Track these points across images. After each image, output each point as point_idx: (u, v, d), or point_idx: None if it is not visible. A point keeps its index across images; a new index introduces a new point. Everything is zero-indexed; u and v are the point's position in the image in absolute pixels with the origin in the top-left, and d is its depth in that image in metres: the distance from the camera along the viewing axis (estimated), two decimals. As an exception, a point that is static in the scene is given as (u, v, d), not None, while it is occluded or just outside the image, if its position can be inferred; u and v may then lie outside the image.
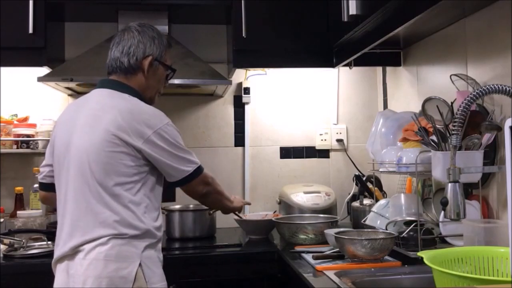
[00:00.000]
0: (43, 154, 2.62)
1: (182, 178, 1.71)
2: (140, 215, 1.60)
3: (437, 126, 1.74)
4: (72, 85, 2.43)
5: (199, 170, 1.74)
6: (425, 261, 1.23)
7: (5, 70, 2.55)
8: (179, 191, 2.72)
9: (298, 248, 2.04)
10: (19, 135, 2.51)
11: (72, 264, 1.55)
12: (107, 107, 1.64)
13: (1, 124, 2.48)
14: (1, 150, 2.46)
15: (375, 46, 2.02)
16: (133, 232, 1.57)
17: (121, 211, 1.57)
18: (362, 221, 2.15)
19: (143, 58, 1.73)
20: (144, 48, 1.74)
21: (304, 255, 1.90)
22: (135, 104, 1.66)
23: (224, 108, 2.84)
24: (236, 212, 2.14)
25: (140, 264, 1.56)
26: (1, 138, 2.46)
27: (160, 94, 1.85)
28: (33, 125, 2.57)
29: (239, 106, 2.83)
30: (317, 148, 2.87)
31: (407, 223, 1.85)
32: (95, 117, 1.62)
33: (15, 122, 2.56)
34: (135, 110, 1.64)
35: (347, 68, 2.59)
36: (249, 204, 2.33)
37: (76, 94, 2.67)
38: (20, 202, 2.47)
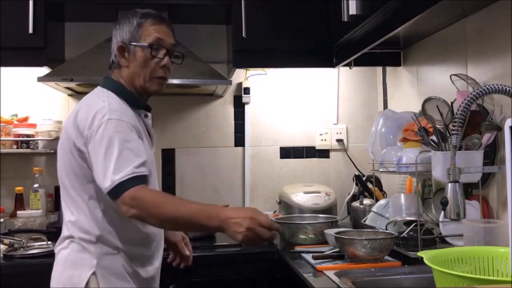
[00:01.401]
0: (43, 154, 2.64)
1: (109, 190, 1.42)
2: (97, 218, 1.51)
3: (437, 126, 1.74)
4: (72, 85, 2.43)
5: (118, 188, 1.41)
6: (425, 261, 1.23)
7: (5, 70, 2.55)
8: (178, 190, 2.74)
9: (298, 248, 2.04)
10: (19, 135, 2.51)
11: None
12: (76, 105, 1.60)
13: (1, 124, 2.48)
14: (1, 150, 2.46)
15: (375, 46, 2.02)
16: (84, 236, 1.51)
17: (76, 213, 1.52)
18: (362, 221, 2.15)
19: (116, 48, 1.63)
20: (116, 39, 1.64)
21: (304, 255, 1.90)
22: (93, 98, 1.56)
23: (224, 108, 2.84)
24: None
25: (94, 273, 1.47)
26: (1, 138, 2.46)
27: (162, 79, 1.65)
28: (33, 125, 2.57)
29: (239, 106, 2.83)
30: (317, 148, 2.87)
31: (407, 223, 1.85)
32: (68, 116, 1.61)
33: (15, 122, 2.56)
34: (89, 105, 1.53)
35: (347, 68, 2.58)
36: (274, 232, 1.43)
37: (76, 94, 2.67)
38: (20, 202, 2.47)
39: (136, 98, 1.63)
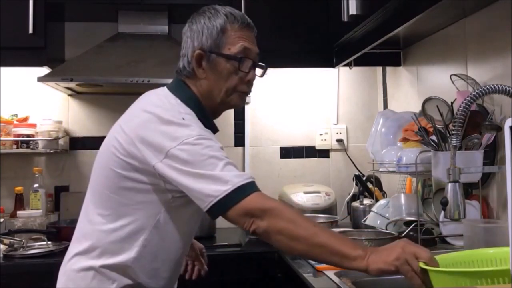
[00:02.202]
0: (43, 154, 2.64)
1: (225, 195, 1.20)
2: (135, 250, 1.29)
3: (437, 126, 1.74)
4: (72, 85, 2.43)
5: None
6: (421, 265, 1.22)
7: (5, 70, 2.55)
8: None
9: (298, 248, 2.04)
10: (19, 135, 2.51)
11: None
12: (136, 111, 1.33)
13: (1, 124, 2.48)
14: (1, 150, 2.46)
15: (375, 46, 2.02)
16: (109, 264, 1.29)
17: (109, 236, 1.29)
18: (362, 221, 2.15)
19: (192, 55, 1.36)
20: (192, 43, 1.36)
21: (304, 255, 1.89)
22: (165, 108, 1.29)
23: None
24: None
25: None
26: (1, 138, 2.46)
27: (245, 94, 1.41)
28: (33, 125, 2.57)
29: (239, 106, 2.83)
30: (317, 148, 2.87)
31: (407, 223, 1.85)
32: (126, 123, 1.34)
33: (15, 122, 2.56)
34: (164, 120, 1.26)
35: (347, 68, 2.59)
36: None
37: (76, 94, 2.67)
38: (20, 202, 2.47)
39: (209, 120, 1.38)
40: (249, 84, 1.40)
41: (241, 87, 1.38)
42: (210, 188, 1.18)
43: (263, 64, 1.45)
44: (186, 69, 1.37)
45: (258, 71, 1.44)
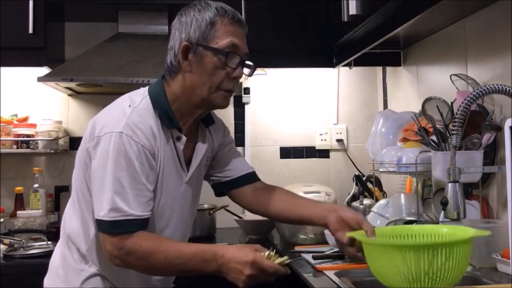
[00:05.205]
0: (43, 154, 2.64)
1: (99, 220, 1.25)
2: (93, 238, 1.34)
3: (437, 126, 1.74)
4: (72, 85, 2.43)
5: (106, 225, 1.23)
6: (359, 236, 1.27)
7: (5, 70, 2.55)
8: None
9: (298, 248, 2.04)
10: (19, 135, 2.51)
11: None
12: None
13: (1, 124, 2.48)
14: (1, 150, 2.46)
15: (375, 46, 2.02)
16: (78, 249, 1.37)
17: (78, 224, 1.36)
18: (362, 221, 2.14)
19: (179, 47, 1.31)
20: (180, 34, 1.32)
21: (304, 255, 1.90)
22: (122, 101, 1.33)
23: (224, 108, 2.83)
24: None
25: None
26: (1, 138, 2.46)
27: (230, 92, 1.36)
28: (33, 125, 2.57)
29: (239, 106, 2.83)
30: (317, 148, 2.87)
31: (407, 223, 1.84)
32: None
33: (15, 122, 2.56)
34: (113, 106, 1.33)
35: (347, 68, 2.59)
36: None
37: (76, 94, 2.67)
38: (20, 202, 2.47)
39: (170, 117, 1.32)
40: (235, 81, 1.35)
41: (226, 84, 1.33)
42: (97, 203, 1.25)
43: (251, 64, 1.39)
44: (172, 63, 1.33)
45: (246, 70, 1.39)
